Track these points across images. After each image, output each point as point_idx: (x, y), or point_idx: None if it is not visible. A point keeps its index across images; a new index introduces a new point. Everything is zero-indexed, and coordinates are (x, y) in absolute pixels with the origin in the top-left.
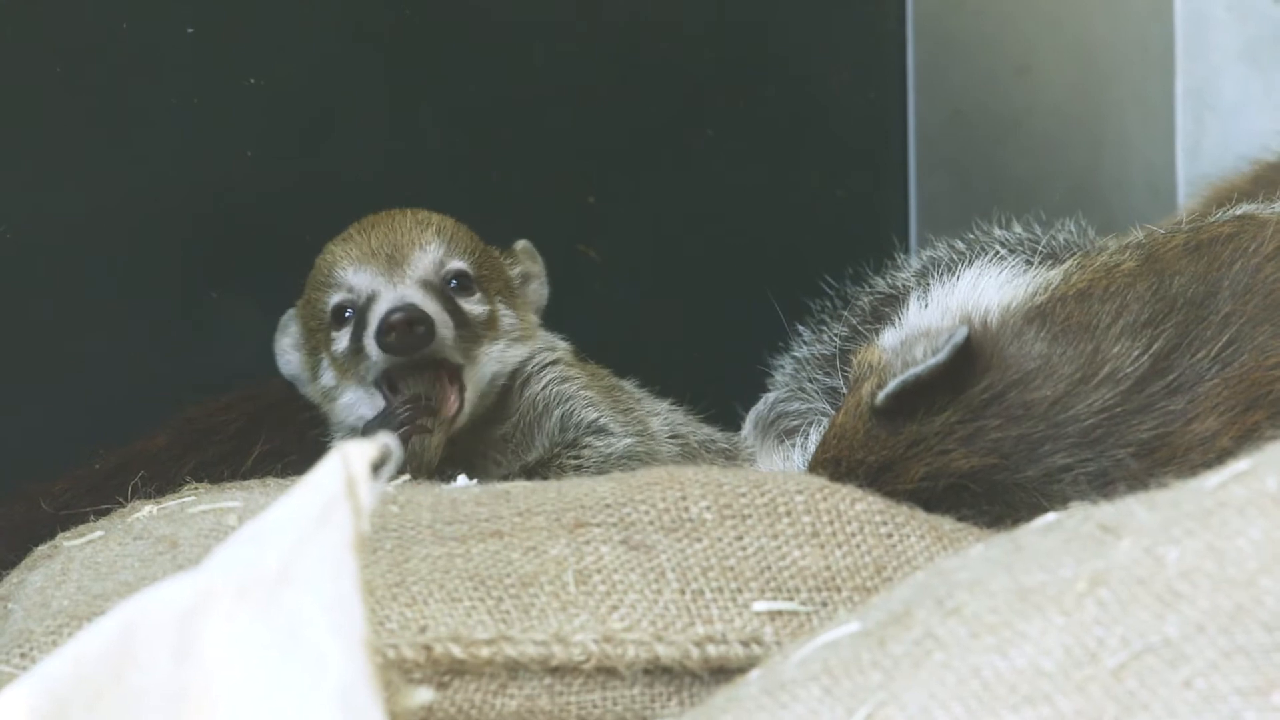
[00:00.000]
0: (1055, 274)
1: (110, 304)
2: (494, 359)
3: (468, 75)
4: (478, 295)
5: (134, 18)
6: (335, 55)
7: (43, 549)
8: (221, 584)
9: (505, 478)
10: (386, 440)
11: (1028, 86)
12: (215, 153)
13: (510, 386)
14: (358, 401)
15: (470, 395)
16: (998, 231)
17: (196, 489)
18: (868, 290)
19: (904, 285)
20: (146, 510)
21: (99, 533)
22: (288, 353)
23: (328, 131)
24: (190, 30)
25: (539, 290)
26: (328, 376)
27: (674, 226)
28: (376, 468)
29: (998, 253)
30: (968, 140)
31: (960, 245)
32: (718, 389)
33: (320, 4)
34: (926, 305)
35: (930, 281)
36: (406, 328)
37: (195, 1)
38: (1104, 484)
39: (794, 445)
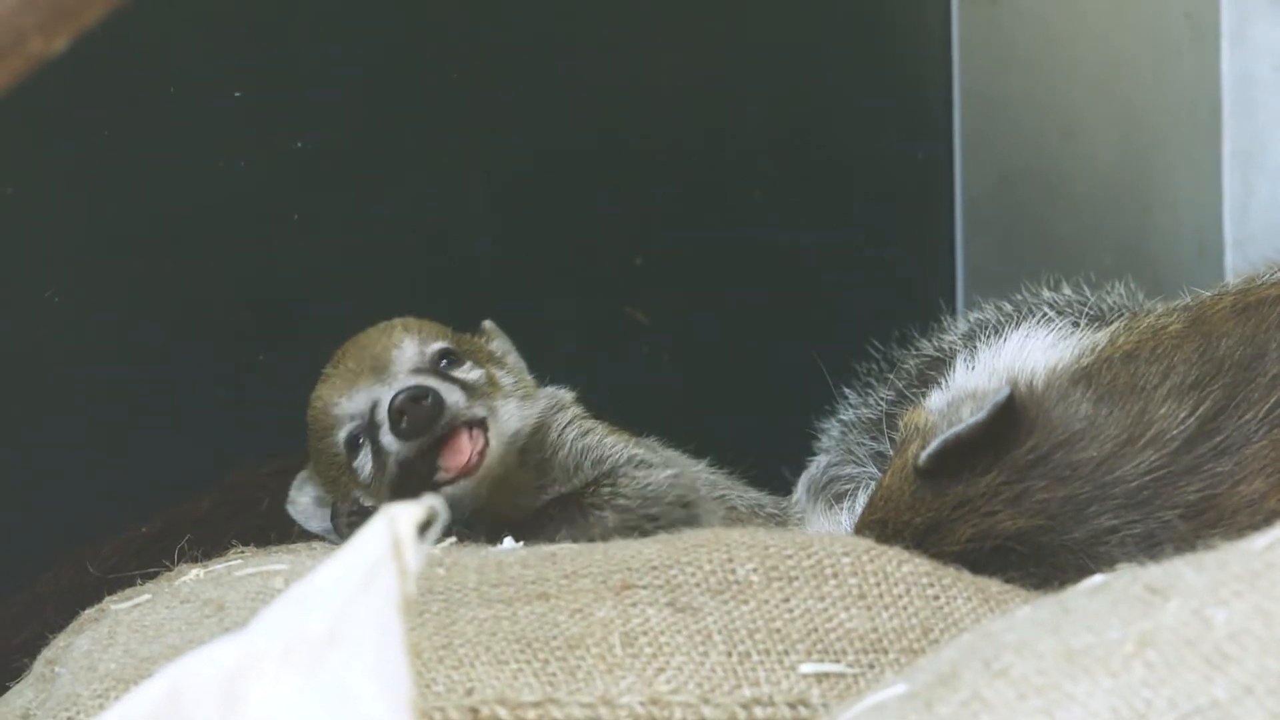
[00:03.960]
0: (1102, 336)
1: (155, 368)
2: (513, 414)
3: (513, 136)
4: (468, 364)
5: (180, 82)
6: (381, 118)
7: (90, 612)
8: (268, 646)
9: (541, 517)
10: (433, 502)
11: (1075, 149)
12: (262, 216)
13: (529, 446)
14: None
15: (494, 438)
16: (1046, 293)
17: (243, 552)
18: (914, 354)
19: (950, 348)
20: (193, 573)
21: (146, 596)
22: (311, 513)
23: (373, 194)
24: (237, 94)
25: (517, 362)
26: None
27: (721, 288)
28: (423, 530)
29: (1045, 315)
30: (1015, 203)
31: (1007, 307)
32: (764, 452)
33: (365, 67)
34: (973, 367)
35: (977, 344)
36: (414, 405)
37: (242, 65)
38: (1151, 546)
39: (844, 509)
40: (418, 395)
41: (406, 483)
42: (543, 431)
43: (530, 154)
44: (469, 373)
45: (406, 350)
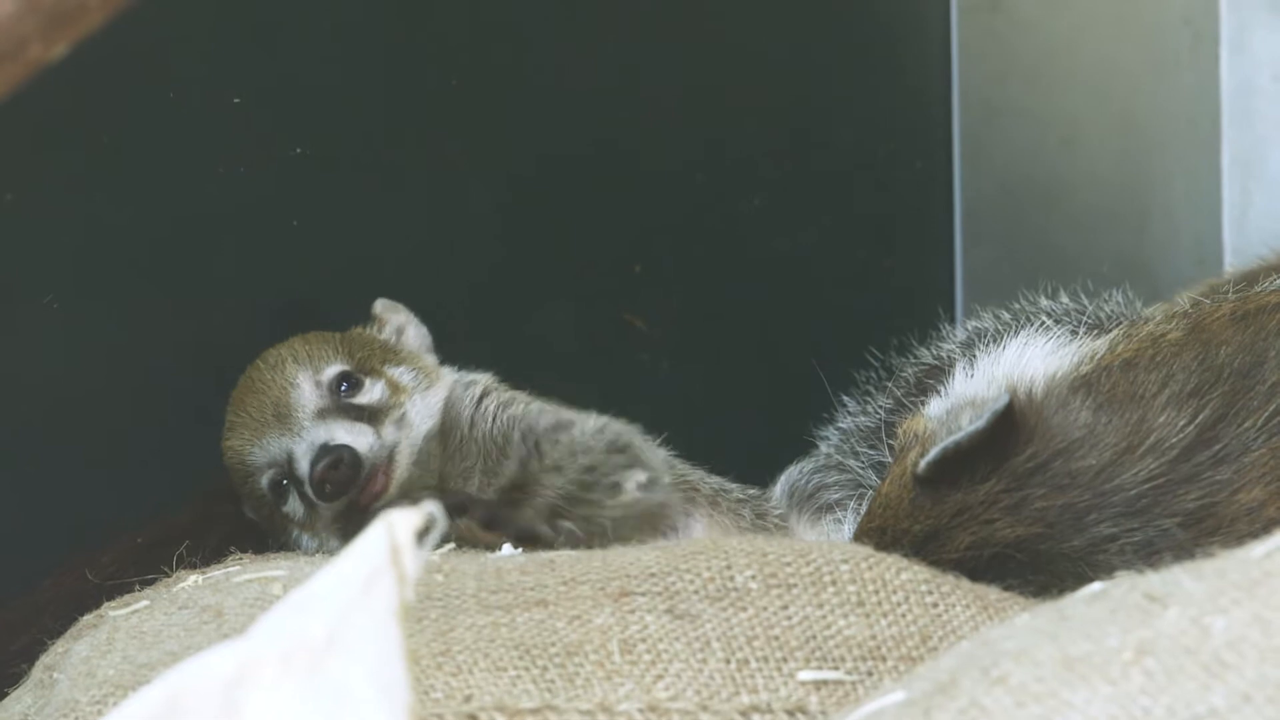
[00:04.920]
0: (1101, 344)
1: (154, 375)
2: (422, 414)
3: (513, 142)
4: (367, 381)
5: (179, 87)
6: (381, 123)
7: (88, 618)
8: (266, 652)
9: (486, 500)
10: (431, 509)
11: (1074, 158)
12: (261, 222)
13: (447, 428)
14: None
15: (403, 454)
16: (1044, 302)
17: (241, 558)
18: (912, 361)
19: (949, 356)
20: (191, 580)
21: (144, 602)
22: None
23: (373, 200)
24: (236, 100)
25: (418, 332)
26: (306, 541)
27: (720, 295)
28: (421, 536)
29: (1043, 323)
30: (1014, 212)
31: (1006, 316)
32: (763, 459)
33: (365, 73)
34: (972, 375)
35: (976, 352)
36: (333, 471)
37: (241, 71)
38: (1150, 554)
39: (835, 518)
40: (335, 462)
41: (348, 520)
42: (455, 410)
43: (530, 160)
44: (371, 392)
45: (304, 390)
